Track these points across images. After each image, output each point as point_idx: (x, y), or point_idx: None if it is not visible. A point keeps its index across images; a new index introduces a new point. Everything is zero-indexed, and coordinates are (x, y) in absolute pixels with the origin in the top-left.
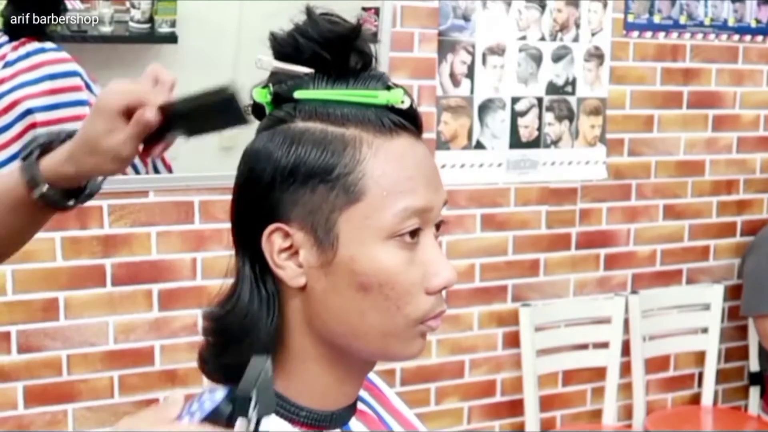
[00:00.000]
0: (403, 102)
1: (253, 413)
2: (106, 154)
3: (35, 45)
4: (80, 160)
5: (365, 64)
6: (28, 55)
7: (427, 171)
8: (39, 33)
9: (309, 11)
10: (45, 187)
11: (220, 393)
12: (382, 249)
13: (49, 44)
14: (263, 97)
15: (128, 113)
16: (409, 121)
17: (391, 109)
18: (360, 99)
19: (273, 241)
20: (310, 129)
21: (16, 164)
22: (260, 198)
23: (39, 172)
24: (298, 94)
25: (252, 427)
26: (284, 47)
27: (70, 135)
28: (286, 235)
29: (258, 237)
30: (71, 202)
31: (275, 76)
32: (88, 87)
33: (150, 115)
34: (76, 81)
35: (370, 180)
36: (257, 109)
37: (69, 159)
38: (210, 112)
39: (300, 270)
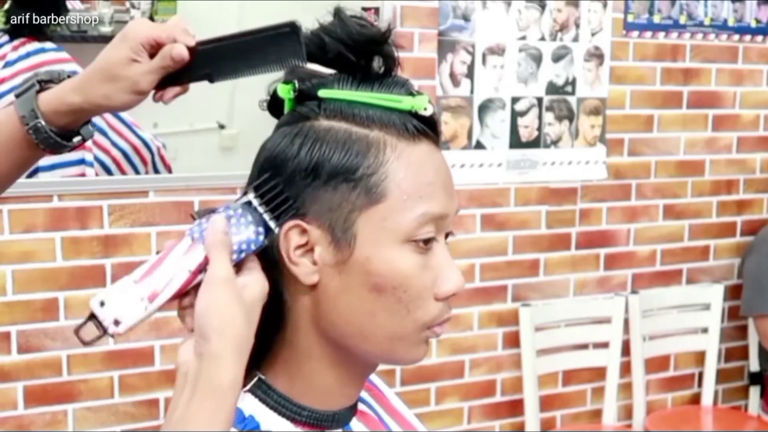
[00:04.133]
0: (426, 109)
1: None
2: (124, 82)
3: (35, 45)
4: (92, 87)
5: (389, 69)
6: (28, 55)
7: (445, 178)
8: (39, 33)
9: (338, 12)
10: (41, 122)
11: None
12: (398, 252)
13: (49, 44)
14: (287, 93)
15: (153, 48)
16: (429, 128)
17: (414, 115)
18: (385, 103)
19: (290, 237)
20: (335, 128)
21: (9, 99)
22: (278, 193)
23: (36, 105)
24: (322, 93)
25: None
26: (308, 46)
27: (70, 75)
28: (303, 231)
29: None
30: (63, 142)
31: (295, 74)
32: None
33: (181, 50)
34: None
35: (392, 183)
36: (274, 106)
37: (78, 88)
38: (256, 47)
39: (314, 267)
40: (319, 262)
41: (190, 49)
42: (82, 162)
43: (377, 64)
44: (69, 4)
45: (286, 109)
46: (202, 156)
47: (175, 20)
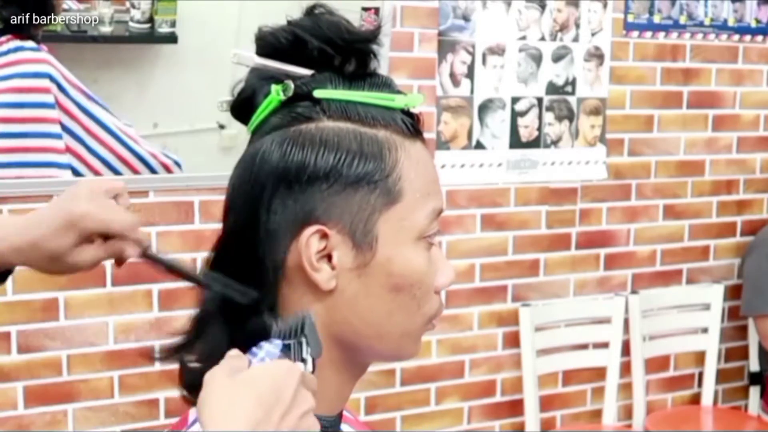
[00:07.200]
0: (415, 107)
1: (307, 356)
2: (67, 266)
3: (16, 43)
4: (32, 260)
5: (367, 67)
6: (7, 52)
7: (437, 174)
8: (21, 31)
9: (318, 8)
10: None
11: (276, 342)
12: (414, 250)
13: (29, 43)
14: (277, 93)
15: (101, 236)
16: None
17: (406, 113)
18: (382, 102)
19: (311, 244)
20: (343, 130)
21: None
22: (289, 200)
23: None
24: (318, 93)
25: (309, 368)
26: (282, 42)
27: None
28: (323, 236)
29: (274, 239)
30: None
31: (262, 72)
32: (62, 90)
33: (132, 253)
34: (44, 83)
35: (406, 182)
36: (238, 107)
37: (18, 254)
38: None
39: (333, 272)
40: (337, 266)
41: (143, 255)
42: (49, 165)
43: (353, 63)
44: (72, 4)
45: (266, 110)
46: (202, 156)
47: (132, 222)
